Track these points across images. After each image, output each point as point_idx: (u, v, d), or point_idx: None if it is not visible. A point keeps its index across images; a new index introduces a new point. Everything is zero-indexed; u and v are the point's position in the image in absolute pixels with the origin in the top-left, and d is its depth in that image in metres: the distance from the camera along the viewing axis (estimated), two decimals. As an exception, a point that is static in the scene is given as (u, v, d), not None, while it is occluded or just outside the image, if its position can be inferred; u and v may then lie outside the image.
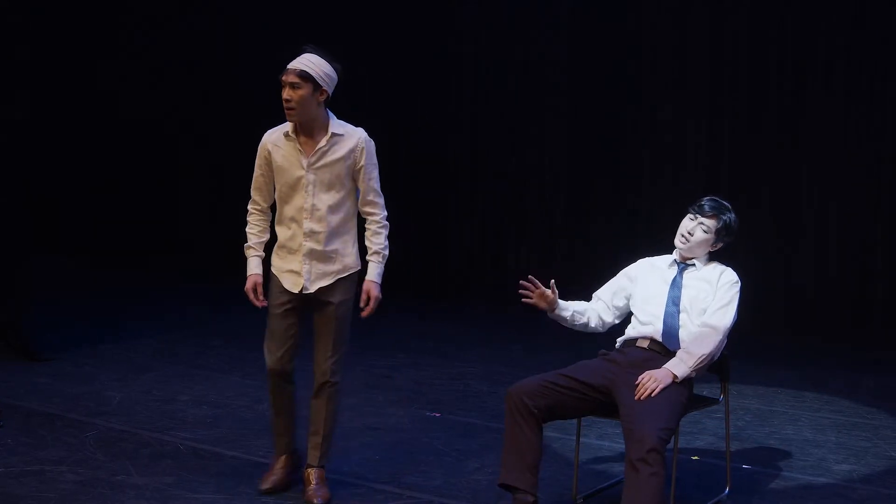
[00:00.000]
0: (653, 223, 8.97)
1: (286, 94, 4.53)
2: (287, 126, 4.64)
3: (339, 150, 4.62)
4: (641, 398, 4.27)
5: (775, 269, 8.91)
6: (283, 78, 4.53)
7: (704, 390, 5.03)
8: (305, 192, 4.61)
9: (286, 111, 4.56)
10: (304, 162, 4.60)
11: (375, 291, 4.68)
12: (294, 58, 4.57)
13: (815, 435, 5.92)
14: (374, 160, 4.70)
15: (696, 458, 5.43)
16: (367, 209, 4.74)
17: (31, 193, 8.15)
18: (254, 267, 4.75)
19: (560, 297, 4.71)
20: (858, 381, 7.18)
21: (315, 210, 4.62)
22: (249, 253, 4.78)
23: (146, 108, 11.91)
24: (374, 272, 4.71)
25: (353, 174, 4.67)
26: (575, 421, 4.75)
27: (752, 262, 7.52)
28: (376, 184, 4.72)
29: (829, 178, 8.80)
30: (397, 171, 10.54)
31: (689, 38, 9.30)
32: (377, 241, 4.72)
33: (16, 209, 7.61)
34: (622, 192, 9.66)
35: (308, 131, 4.62)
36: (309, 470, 4.75)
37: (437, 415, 6.19)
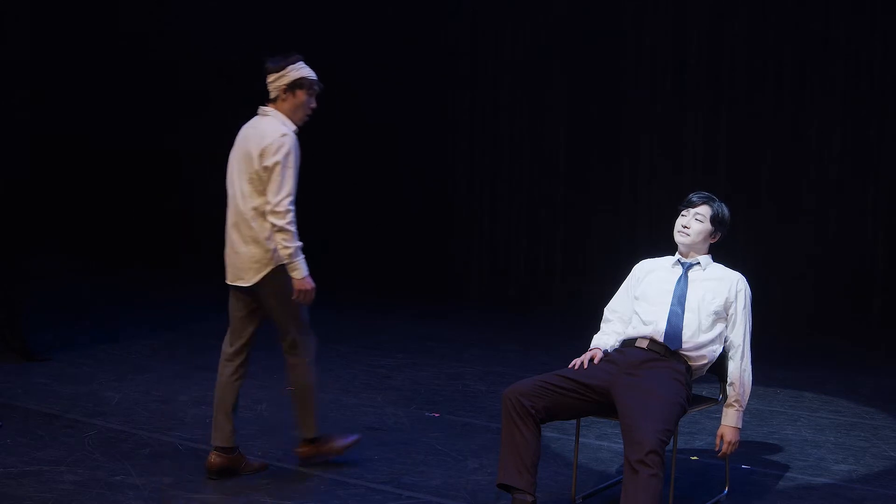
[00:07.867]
0: (653, 221, 8.98)
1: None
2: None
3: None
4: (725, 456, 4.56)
5: (774, 268, 8.91)
6: (318, 88, 4.92)
7: (704, 390, 5.03)
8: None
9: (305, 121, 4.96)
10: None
11: None
12: (308, 66, 4.91)
13: (813, 435, 5.92)
14: None
15: (695, 458, 5.43)
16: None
17: (29, 191, 8.13)
18: None
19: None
20: (857, 381, 7.18)
21: None
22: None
23: (148, 107, 11.90)
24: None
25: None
26: (574, 421, 4.75)
27: (751, 262, 7.51)
28: None
29: (829, 177, 8.80)
30: (396, 171, 10.60)
31: (688, 31, 9.30)
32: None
33: (13, 208, 7.60)
34: (621, 191, 9.65)
35: None
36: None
37: (436, 415, 6.19)
